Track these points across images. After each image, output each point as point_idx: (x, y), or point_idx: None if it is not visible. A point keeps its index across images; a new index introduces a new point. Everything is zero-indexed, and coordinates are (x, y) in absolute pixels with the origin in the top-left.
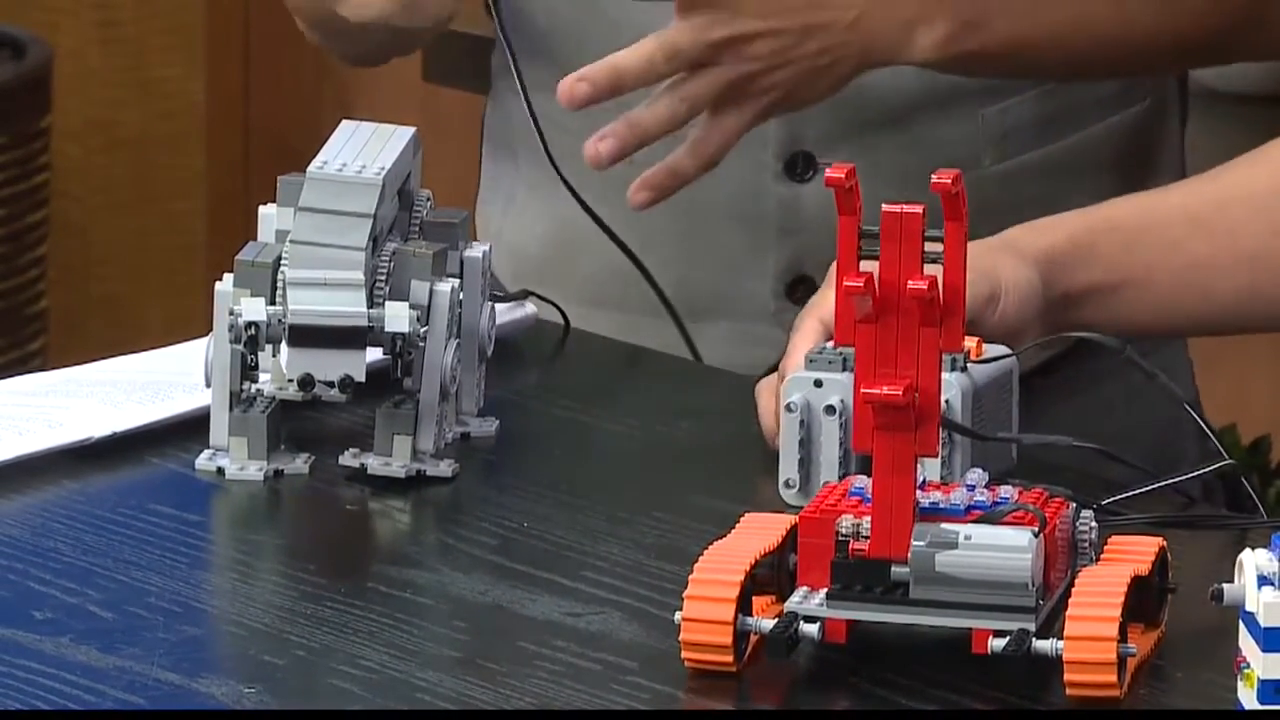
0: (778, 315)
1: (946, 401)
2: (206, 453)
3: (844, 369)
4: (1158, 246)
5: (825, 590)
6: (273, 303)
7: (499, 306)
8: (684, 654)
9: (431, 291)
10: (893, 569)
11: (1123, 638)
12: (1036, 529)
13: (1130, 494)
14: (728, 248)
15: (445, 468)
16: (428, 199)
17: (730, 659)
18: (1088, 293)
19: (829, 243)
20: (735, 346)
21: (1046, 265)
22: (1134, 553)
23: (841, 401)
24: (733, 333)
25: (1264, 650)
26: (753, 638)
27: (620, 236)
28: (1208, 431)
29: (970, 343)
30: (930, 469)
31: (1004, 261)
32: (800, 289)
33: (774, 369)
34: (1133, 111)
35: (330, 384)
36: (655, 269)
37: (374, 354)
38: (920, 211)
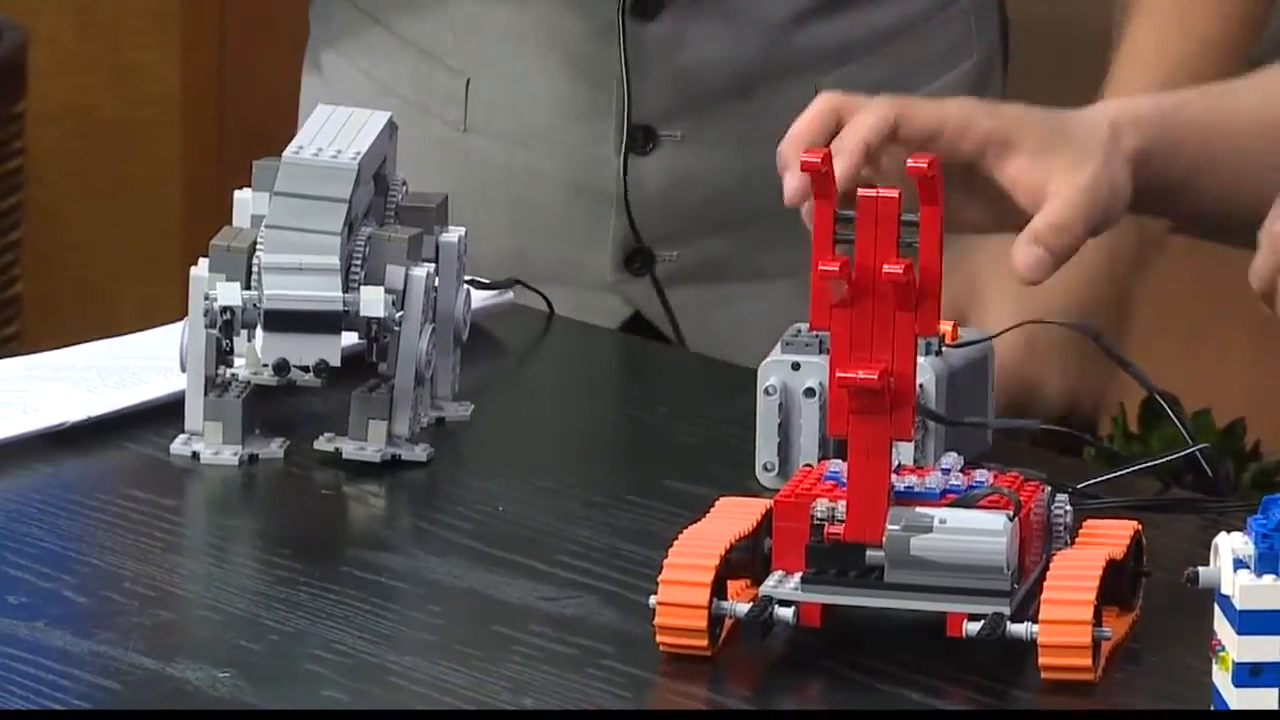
0: (616, 285)
1: (921, 385)
2: (181, 437)
3: (821, 351)
4: (1228, 144)
5: (800, 574)
6: (248, 287)
7: (475, 291)
8: (659, 638)
9: (407, 276)
10: (868, 553)
11: (1097, 621)
12: (1011, 513)
13: (1105, 478)
14: (566, 218)
15: (420, 452)
16: (403, 183)
17: (705, 643)
18: (1165, 188)
19: (669, 215)
20: (572, 313)
21: (1140, 164)
22: (1109, 536)
23: (820, 384)
24: (570, 300)
25: (1239, 633)
26: (727, 622)
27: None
28: (1175, 419)
29: (945, 326)
30: (904, 453)
31: (1122, 172)
32: (639, 260)
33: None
34: (961, 69)
35: (305, 368)
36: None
37: (349, 338)
38: (896, 196)
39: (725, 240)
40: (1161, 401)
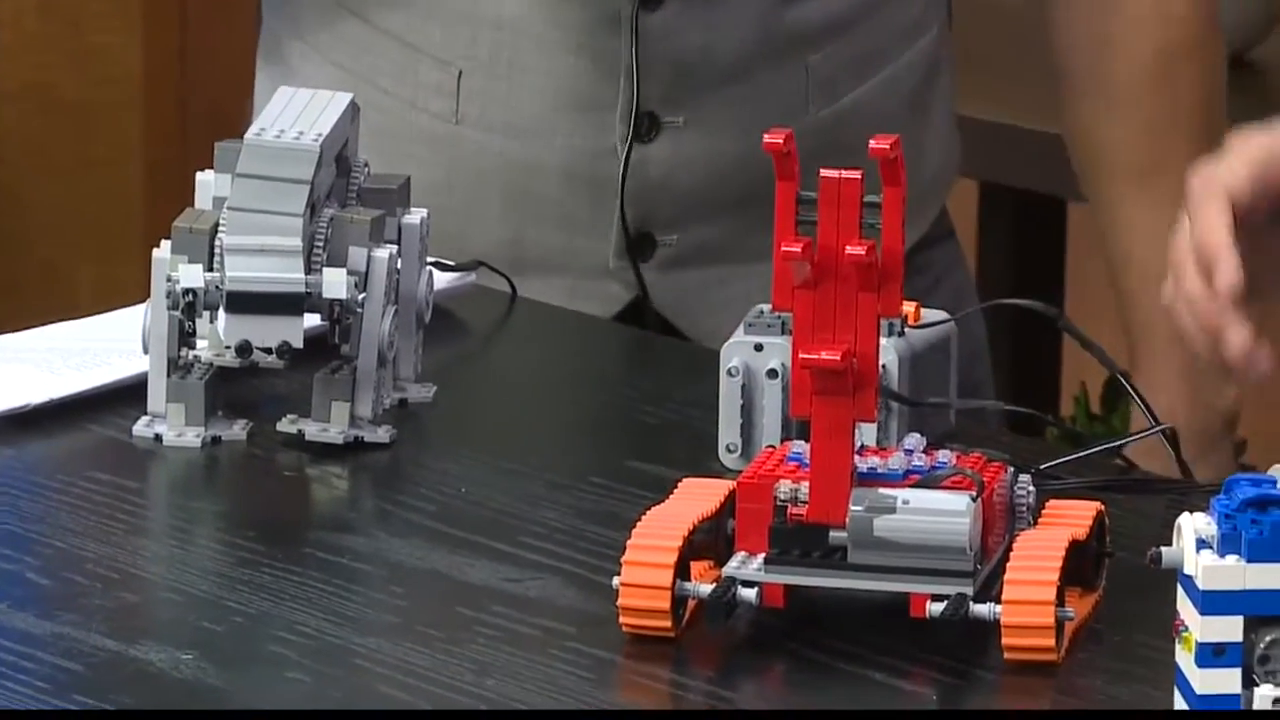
0: (617, 272)
1: (884, 366)
2: (144, 419)
3: (783, 333)
4: None
5: (763, 555)
6: (210, 269)
7: (438, 273)
8: (622, 619)
9: (369, 258)
10: (831, 533)
11: (1060, 602)
12: (974, 493)
13: (1068, 458)
14: (566, 207)
15: (383, 434)
16: (365, 165)
17: (668, 624)
18: None
19: (670, 200)
20: (571, 301)
21: None
22: (1071, 517)
23: (782, 365)
24: (567, 288)
25: (1202, 613)
26: (691, 603)
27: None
28: (1138, 399)
29: (908, 307)
30: (867, 434)
31: None
32: (642, 246)
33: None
34: (927, 38)
35: (268, 350)
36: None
37: (312, 320)
38: (858, 177)
39: (722, 223)
40: (1124, 381)
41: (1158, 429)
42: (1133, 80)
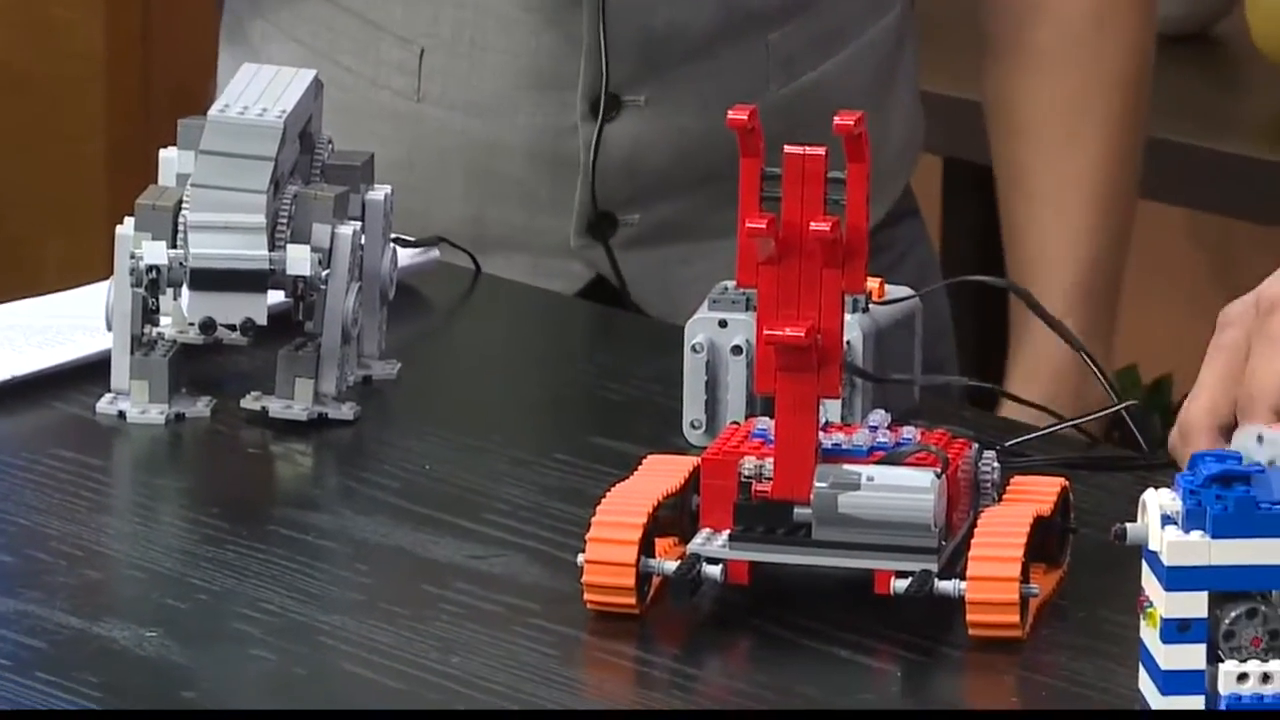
0: (578, 251)
1: (848, 342)
2: (107, 396)
3: (748, 309)
4: None
5: (728, 532)
6: (174, 246)
7: (401, 250)
8: (586, 596)
9: (333, 234)
10: (795, 510)
11: (1025, 578)
12: (939, 470)
13: (1033, 435)
14: (529, 185)
15: (347, 410)
16: (329, 142)
17: (633, 601)
18: None
19: (632, 179)
20: (533, 279)
21: None
22: (1036, 493)
23: (747, 341)
24: (529, 266)
25: (1166, 589)
26: (655, 580)
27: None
28: (1100, 377)
29: (873, 283)
30: (831, 410)
31: None
32: (603, 225)
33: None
34: (891, 15)
35: (231, 327)
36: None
37: (275, 297)
38: (823, 153)
39: (684, 201)
40: (1088, 359)
41: (1121, 405)
42: (1059, 45)
